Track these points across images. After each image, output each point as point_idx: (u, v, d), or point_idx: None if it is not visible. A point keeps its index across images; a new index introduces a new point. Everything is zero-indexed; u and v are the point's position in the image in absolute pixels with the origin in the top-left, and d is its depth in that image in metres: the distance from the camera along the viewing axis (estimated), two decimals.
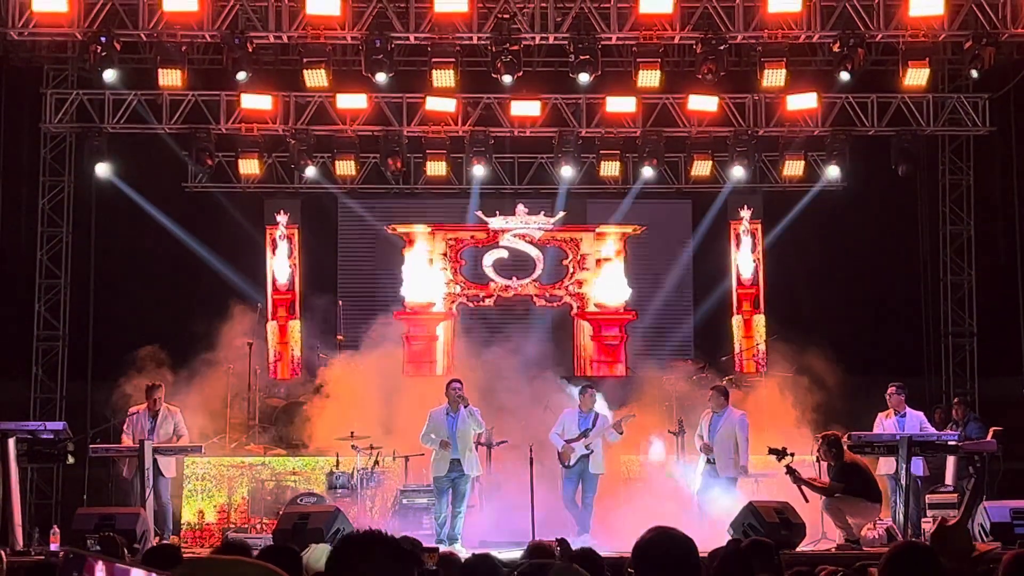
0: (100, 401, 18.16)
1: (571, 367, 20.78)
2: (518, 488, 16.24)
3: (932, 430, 16.01)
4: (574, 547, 7.31)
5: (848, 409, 17.62)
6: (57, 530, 14.23)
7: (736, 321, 20.91)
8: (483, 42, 17.78)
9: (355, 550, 3.41)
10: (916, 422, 15.96)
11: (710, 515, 15.12)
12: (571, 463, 15.73)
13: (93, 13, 17.02)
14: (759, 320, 20.87)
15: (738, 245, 21.08)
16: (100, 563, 2.34)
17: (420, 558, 3.65)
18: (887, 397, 16.05)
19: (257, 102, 18.89)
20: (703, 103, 18.83)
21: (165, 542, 13.37)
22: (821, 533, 14.79)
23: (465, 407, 15.20)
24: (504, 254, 21.07)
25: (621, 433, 15.87)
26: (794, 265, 20.41)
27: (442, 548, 13.49)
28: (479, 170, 19.76)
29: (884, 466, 15.53)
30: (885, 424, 15.84)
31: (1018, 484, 17.09)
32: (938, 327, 20.70)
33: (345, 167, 19.93)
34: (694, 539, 4.47)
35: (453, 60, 17.57)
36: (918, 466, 15.63)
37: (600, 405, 16.34)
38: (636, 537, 4.50)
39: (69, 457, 14.68)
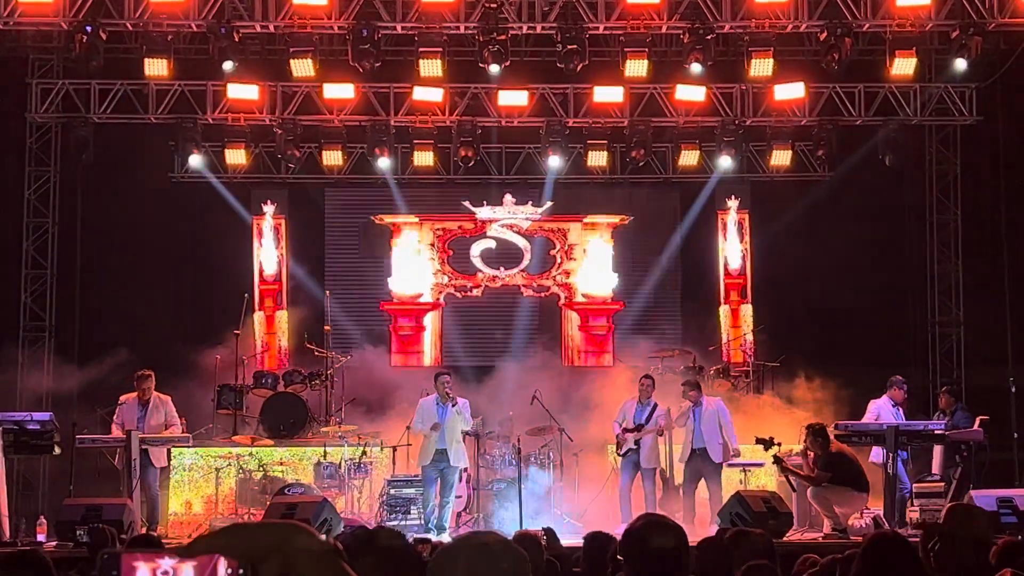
0: (87, 391, 18.12)
1: (558, 357, 20.79)
2: (506, 477, 16.29)
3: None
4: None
5: (835, 398, 17.66)
6: (44, 521, 14.21)
7: (724, 311, 20.94)
8: (470, 32, 17.74)
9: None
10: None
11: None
12: (622, 452, 15.88)
13: (79, 3, 16.95)
14: (746, 310, 20.91)
15: (725, 235, 21.10)
16: (135, 556, 2.40)
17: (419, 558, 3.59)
18: (898, 387, 16.07)
19: (243, 92, 18.82)
20: (690, 93, 18.81)
21: (151, 532, 13.33)
22: (808, 522, 14.86)
23: (453, 405, 15.17)
24: (492, 244, 21.06)
25: (661, 435, 16.04)
26: (781, 255, 20.42)
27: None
28: (466, 160, 19.74)
29: (876, 455, 15.54)
30: (883, 411, 15.83)
31: (1005, 473, 17.15)
32: (925, 316, 20.74)
33: (332, 157, 19.90)
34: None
35: (440, 50, 17.54)
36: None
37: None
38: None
39: (55, 448, 14.65)
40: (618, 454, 16.05)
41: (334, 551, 2.39)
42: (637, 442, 15.79)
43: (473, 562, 3.05)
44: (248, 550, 2.34)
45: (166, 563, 2.36)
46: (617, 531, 11.68)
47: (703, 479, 15.69)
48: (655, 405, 15.97)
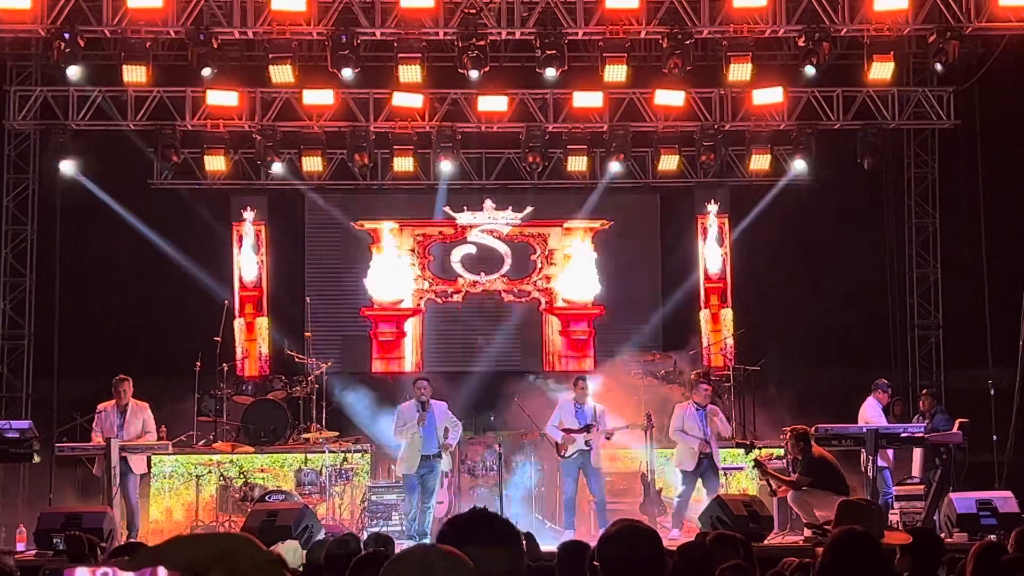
0: (66, 399, 18.07)
1: (539, 362, 20.80)
2: (487, 483, 16.30)
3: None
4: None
5: (815, 401, 17.70)
6: (23, 529, 14.16)
7: (704, 315, 20.96)
8: (449, 37, 17.75)
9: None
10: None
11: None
12: (568, 454, 15.76)
13: (56, 9, 16.89)
14: (727, 314, 20.94)
15: (705, 239, 21.14)
16: (76, 570, 2.43)
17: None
18: (882, 390, 16.16)
19: (223, 98, 18.78)
20: (669, 97, 18.84)
21: (133, 540, 13.29)
22: (788, 525, 14.90)
23: (423, 410, 15.09)
24: (472, 250, 21.06)
25: (609, 439, 16.09)
26: (761, 259, 20.47)
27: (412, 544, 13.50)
28: (446, 166, 19.75)
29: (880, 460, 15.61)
30: (876, 413, 15.90)
31: (984, 475, 17.21)
32: (904, 320, 20.81)
33: (312, 163, 19.88)
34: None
35: (419, 55, 17.53)
36: None
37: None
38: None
39: (35, 456, 14.61)
40: (561, 456, 15.92)
41: (277, 561, 2.40)
42: (588, 443, 15.78)
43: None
44: (192, 561, 2.35)
45: (104, 569, 2.37)
46: (564, 537, 11.64)
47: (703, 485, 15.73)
48: (594, 407, 16.00)
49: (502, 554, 3.41)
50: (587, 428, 15.77)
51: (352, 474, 16.54)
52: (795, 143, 19.78)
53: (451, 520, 3.58)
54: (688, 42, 17.39)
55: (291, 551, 9.13)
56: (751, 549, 7.22)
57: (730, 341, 20.41)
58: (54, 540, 12.78)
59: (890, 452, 15.83)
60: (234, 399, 18.51)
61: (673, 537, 14.31)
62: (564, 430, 15.80)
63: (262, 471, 16.93)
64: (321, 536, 12.44)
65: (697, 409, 15.82)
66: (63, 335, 19.71)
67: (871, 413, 16.01)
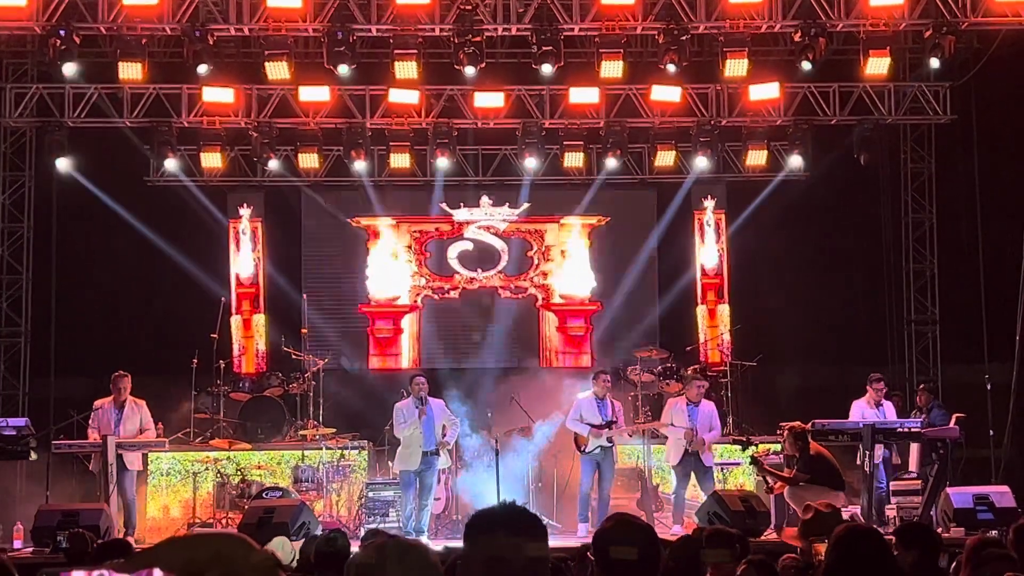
0: (63, 397, 18.07)
1: (536, 358, 20.80)
2: (484, 480, 16.29)
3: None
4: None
5: (811, 397, 17.70)
6: (20, 527, 14.16)
7: (701, 311, 20.96)
8: (445, 33, 17.73)
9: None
10: (892, 412, 16.10)
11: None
12: (588, 450, 15.76)
13: (52, 7, 16.86)
14: (723, 310, 20.94)
15: (702, 235, 21.14)
16: (72, 573, 2.47)
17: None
18: (877, 388, 16.15)
19: (219, 95, 18.75)
20: (666, 93, 18.82)
21: (121, 538, 13.29)
22: (784, 521, 14.90)
23: (423, 404, 15.16)
24: (469, 246, 21.05)
25: (631, 436, 16.36)
26: (758, 255, 20.47)
27: None
28: (443, 162, 19.73)
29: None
30: (866, 412, 15.87)
31: (981, 470, 17.23)
32: (901, 315, 20.81)
33: (308, 160, 19.86)
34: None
35: (415, 52, 17.51)
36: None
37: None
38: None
39: (32, 453, 14.61)
40: (582, 451, 15.94)
41: (273, 563, 2.40)
42: (609, 440, 15.79)
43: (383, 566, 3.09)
44: (187, 563, 2.35)
45: (100, 571, 2.37)
46: (579, 532, 11.54)
47: (695, 480, 15.74)
48: (612, 403, 16.01)
49: (528, 545, 3.46)
50: (608, 424, 15.78)
51: (349, 471, 16.55)
52: (791, 138, 19.77)
53: (479, 511, 3.63)
54: (684, 38, 17.37)
55: (279, 546, 9.11)
56: (748, 545, 7.23)
57: (727, 337, 20.41)
58: (58, 537, 12.77)
59: (889, 448, 15.88)
60: (231, 396, 18.52)
61: (675, 533, 14.34)
62: (588, 424, 15.85)
63: (259, 468, 16.92)
64: (319, 533, 12.45)
65: (688, 404, 15.86)
66: (60, 333, 19.70)
67: (854, 413, 15.97)
